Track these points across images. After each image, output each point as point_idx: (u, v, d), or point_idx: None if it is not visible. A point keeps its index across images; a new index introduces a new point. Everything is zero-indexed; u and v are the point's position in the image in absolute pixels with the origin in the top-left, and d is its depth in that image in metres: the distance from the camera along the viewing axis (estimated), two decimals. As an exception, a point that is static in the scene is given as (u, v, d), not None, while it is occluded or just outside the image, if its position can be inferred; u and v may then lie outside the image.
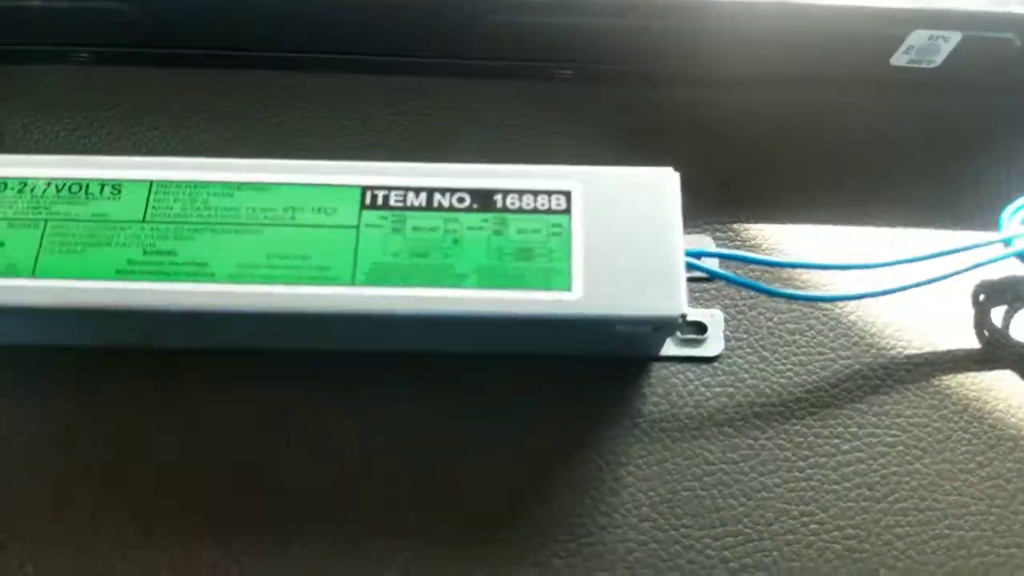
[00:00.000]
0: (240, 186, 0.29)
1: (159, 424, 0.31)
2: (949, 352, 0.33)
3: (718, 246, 0.34)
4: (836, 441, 0.31)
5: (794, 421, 0.31)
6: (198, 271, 0.27)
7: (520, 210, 0.28)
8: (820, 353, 0.32)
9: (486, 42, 0.36)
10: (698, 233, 0.34)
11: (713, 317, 0.32)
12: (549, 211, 0.28)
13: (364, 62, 0.37)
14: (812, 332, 0.33)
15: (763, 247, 0.34)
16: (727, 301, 0.33)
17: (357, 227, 0.28)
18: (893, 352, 0.32)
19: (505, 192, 0.28)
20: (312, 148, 0.36)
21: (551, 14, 0.35)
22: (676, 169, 0.28)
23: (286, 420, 0.31)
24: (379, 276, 0.27)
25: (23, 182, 0.29)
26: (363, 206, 0.28)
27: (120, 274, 0.27)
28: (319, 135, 0.36)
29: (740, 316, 0.33)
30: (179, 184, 0.29)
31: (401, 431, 0.31)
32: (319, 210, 0.28)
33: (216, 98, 0.38)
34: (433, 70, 0.37)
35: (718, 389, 0.31)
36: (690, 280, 0.31)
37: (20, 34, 0.36)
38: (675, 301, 0.27)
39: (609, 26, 0.35)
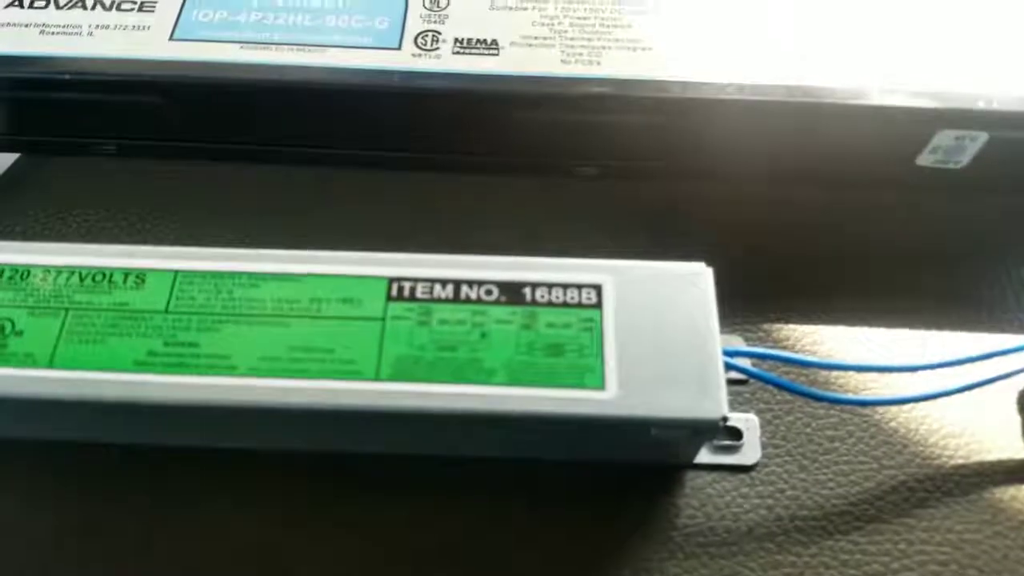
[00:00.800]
0: (266, 277, 0.29)
1: (168, 528, 0.30)
2: (999, 462, 0.32)
3: (748, 345, 0.35)
4: (885, 559, 0.29)
5: (838, 536, 0.30)
6: (219, 363, 0.27)
7: (550, 303, 0.28)
8: (862, 462, 0.32)
9: (511, 138, 0.36)
10: (726, 333, 0.34)
11: (748, 422, 0.32)
12: (579, 305, 0.28)
13: (389, 159, 0.37)
14: (853, 439, 0.33)
15: (796, 347, 0.34)
16: (762, 405, 0.33)
17: (383, 319, 0.28)
18: (939, 461, 0.31)
19: (534, 285, 0.28)
20: (337, 243, 0.36)
21: (573, 111, 0.36)
22: (712, 260, 0.28)
23: (305, 524, 0.30)
24: (404, 371, 0.27)
25: (46, 270, 0.29)
26: (389, 298, 0.28)
27: (139, 366, 0.27)
28: (344, 229, 0.36)
29: (776, 421, 0.32)
30: (204, 275, 0.29)
31: (419, 536, 0.30)
32: (345, 301, 0.28)
33: (242, 191, 0.38)
34: (457, 166, 0.38)
35: (756, 500, 0.30)
36: (729, 383, 0.30)
37: (48, 127, 0.37)
38: (715, 402, 0.26)
39: (629, 122, 0.36)
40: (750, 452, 0.32)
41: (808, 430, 0.32)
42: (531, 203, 0.38)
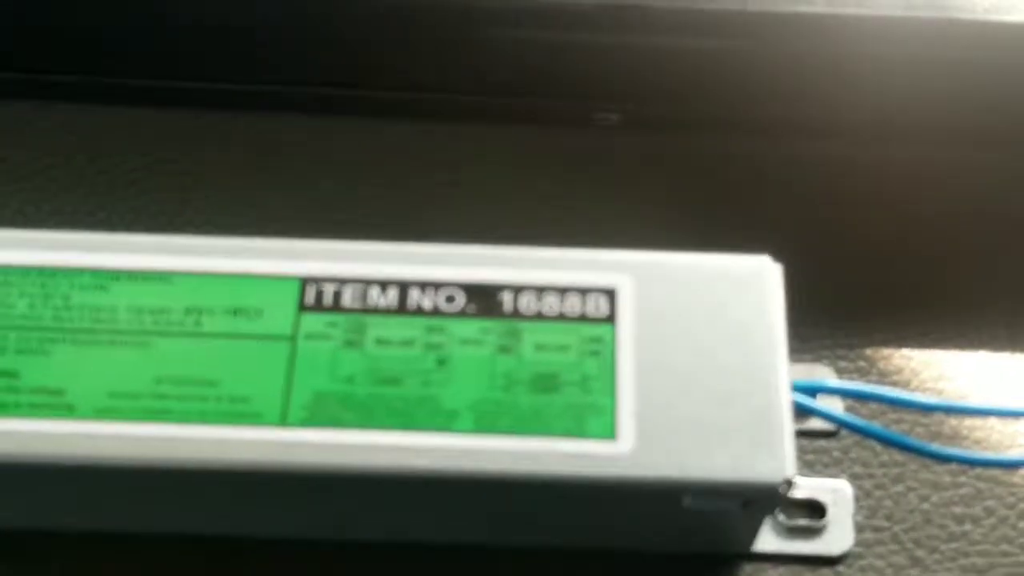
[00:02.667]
0: (118, 276, 0.30)
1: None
2: None
3: (840, 378, 0.35)
4: None
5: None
6: (50, 402, 0.28)
7: (540, 316, 0.29)
8: (1005, 553, 0.33)
9: (494, 70, 0.38)
10: (807, 361, 0.35)
11: (836, 493, 0.33)
12: (583, 318, 0.29)
13: (341, 98, 0.39)
14: (993, 519, 0.34)
15: (909, 382, 0.35)
16: (858, 468, 0.34)
17: (292, 338, 0.28)
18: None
19: (517, 288, 0.29)
20: (227, 223, 0.38)
21: (588, 29, 0.37)
22: (779, 258, 0.29)
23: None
24: (323, 413, 0.27)
25: None
26: (302, 307, 0.29)
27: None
28: (243, 200, 0.38)
29: (879, 491, 0.33)
30: (25, 272, 0.30)
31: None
32: (236, 312, 0.29)
33: (82, 139, 0.40)
34: (418, 109, 0.39)
35: None
36: (800, 433, 0.32)
37: None
38: (777, 459, 0.27)
39: (672, 49, 0.37)
40: (837, 537, 0.32)
41: (926, 506, 0.33)
42: (519, 167, 0.39)
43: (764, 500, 0.28)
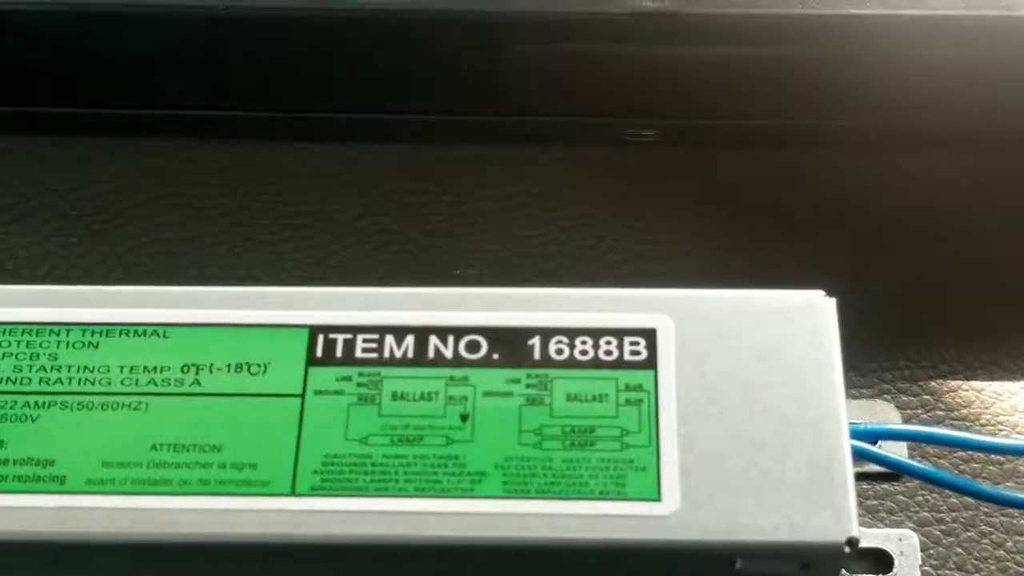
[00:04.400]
0: (110, 331, 0.29)
1: None
2: None
3: (904, 416, 0.35)
4: None
5: None
6: (39, 475, 0.27)
7: (572, 363, 0.28)
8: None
9: (516, 86, 0.38)
10: (867, 397, 0.35)
11: (902, 542, 0.32)
12: (620, 363, 0.28)
13: (354, 123, 0.39)
14: (1080, 569, 0.33)
15: (978, 415, 0.35)
16: (925, 512, 0.33)
17: (302, 396, 0.28)
18: None
19: (546, 332, 0.29)
20: (229, 272, 0.38)
21: (619, 41, 0.36)
22: (828, 292, 0.29)
23: None
24: (337, 479, 0.27)
25: None
26: (311, 360, 0.28)
27: None
28: (247, 245, 0.38)
29: (948, 539, 0.33)
30: (8, 329, 0.29)
31: None
32: (239, 368, 0.28)
33: (72, 176, 0.39)
34: (434, 132, 0.39)
35: None
36: (860, 476, 0.31)
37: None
38: (837, 517, 0.26)
39: (712, 59, 0.37)
40: None
41: (1001, 553, 0.33)
42: (552, 191, 0.39)
43: (825, 562, 0.27)
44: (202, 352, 0.28)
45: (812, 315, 0.29)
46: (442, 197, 0.39)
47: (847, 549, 0.26)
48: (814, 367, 0.28)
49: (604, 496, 0.27)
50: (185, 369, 0.28)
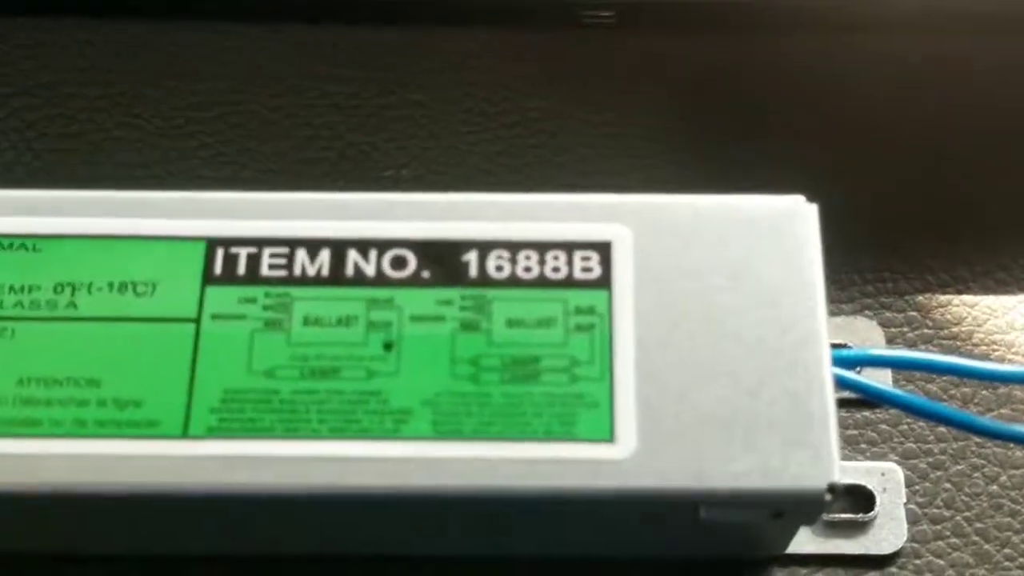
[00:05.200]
0: None
1: None
2: None
3: (888, 335, 0.34)
4: None
5: None
6: None
7: (514, 281, 0.27)
8: (1092, 544, 0.31)
9: None
10: (847, 314, 0.34)
11: (885, 477, 0.31)
12: (570, 283, 0.27)
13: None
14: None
15: (970, 333, 0.34)
16: (910, 443, 0.32)
17: (196, 321, 0.26)
18: None
19: (484, 246, 0.27)
20: (129, 163, 0.35)
21: None
22: (807, 195, 0.27)
23: None
24: (238, 419, 0.25)
25: None
26: (208, 278, 0.26)
27: None
28: (146, 140, 0.36)
29: (936, 472, 0.32)
30: None
31: None
32: (123, 288, 0.26)
33: None
34: (363, 11, 0.37)
35: None
36: (839, 403, 0.29)
37: None
38: (817, 460, 0.25)
39: None
40: (888, 532, 0.31)
41: (994, 488, 0.32)
42: (487, 83, 0.37)
43: (802, 511, 0.26)
44: (79, 269, 0.27)
45: (791, 224, 0.27)
46: (369, 86, 0.37)
47: (828, 497, 0.25)
48: (793, 285, 0.27)
49: (550, 437, 0.25)
50: (58, 289, 0.26)
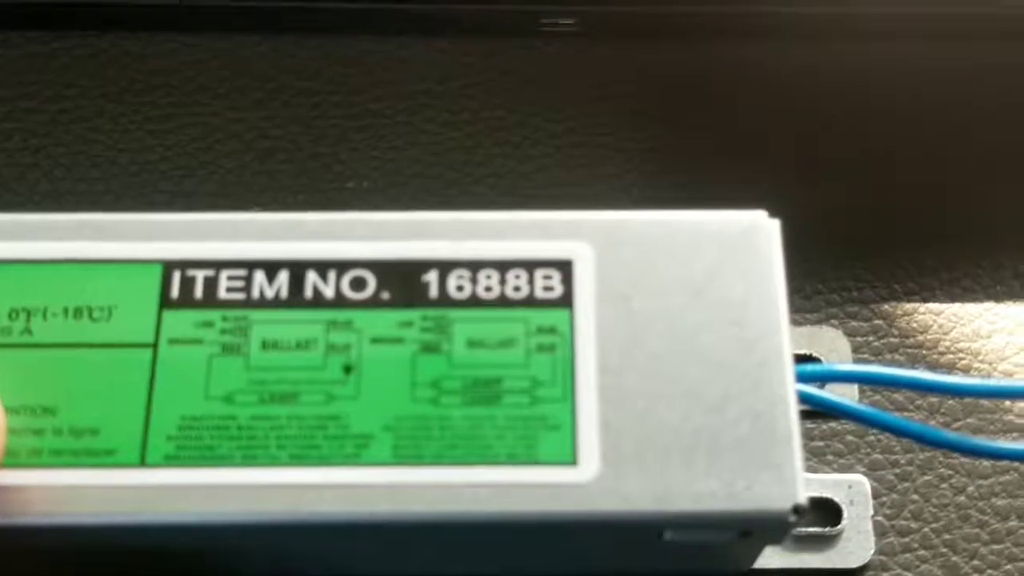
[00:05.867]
0: None
1: None
2: None
3: (854, 344, 0.34)
4: None
5: None
6: None
7: (475, 302, 0.26)
8: (1060, 555, 0.31)
9: None
10: (812, 323, 0.34)
11: (852, 490, 0.31)
12: (531, 302, 0.26)
13: (188, 11, 0.37)
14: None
15: (936, 342, 0.34)
16: (877, 454, 0.32)
17: (153, 346, 0.26)
18: None
19: (444, 266, 0.27)
20: (90, 178, 0.35)
21: None
22: (770, 208, 0.27)
23: None
24: (196, 446, 0.25)
25: None
26: (165, 302, 0.26)
27: None
28: (107, 156, 0.36)
29: (903, 483, 0.32)
30: None
31: None
32: (79, 314, 0.26)
33: None
34: (321, 21, 0.37)
35: None
36: (804, 414, 0.29)
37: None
38: (783, 480, 0.25)
39: None
40: (855, 545, 0.31)
41: (962, 499, 0.32)
42: (450, 96, 0.37)
43: (768, 530, 0.26)
44: (35, 294, 0.26)
45: (754, 240, 0.27)
46: (331, 97, 0.37)
47: (793, 518, 0.25)
48: (756, 302, 0.26)
49: (512, 461, 0.25)
50: (13, 315, 0.26)
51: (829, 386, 0.30)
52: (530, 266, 0.27)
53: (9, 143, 0.36)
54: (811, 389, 0.27)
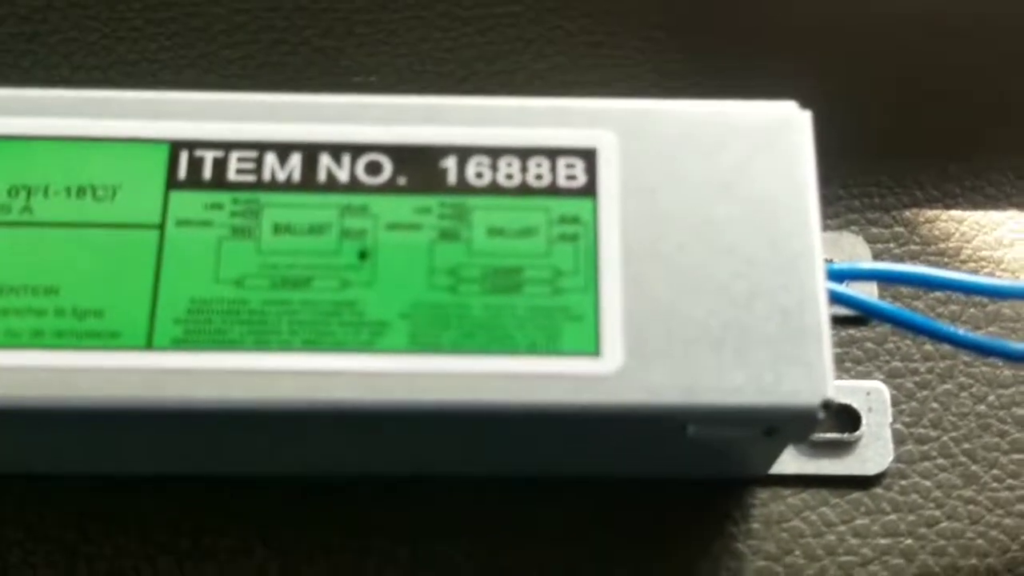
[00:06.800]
0: None
1: None
2: None
3: (875, 251, 0.33)
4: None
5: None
6: None
7: (495, 189, 0.26)
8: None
9: None
10: (832, 229, 0.33)
11: (871, 397, 0.31)
12: (553, 190, 0.26)
13: None
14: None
15: (958, 249, 0.33)
16: (896, 361, 0.32)
17: (160, 227, 0.25)
18: None
19: (464, 152, 0.26)
20: (87, 66, 0.34)
21: None
22: (800, 101, 0.27)
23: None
24: (204, 330, 0.24)
25: None
26: (172, 183, 0.26)
27: None
28: (103, 43, 0.35)
29: (923, 392, 0.32)
30: None
31: None
32: (82, 192, 0.25)
33: None
34: None
35: (884, 542, 0.30)
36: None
37: None
38: (812, 375, 0.24)
39: None
40: (873, 452, 0.31)
41: (982, 408, 0.31)
42: None
43: (794, 428, 0.26)
44: (35, 171, 0.26)
45: (784, 132, 0.27)
46: None
47: (821, 414, 0.25)
48: (786, 196, 0.26)
49: (533, 351, 0.25)
50: (13, 192, 0.25)
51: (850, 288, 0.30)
52: (553, 154, 0.26)
53: (2, 28, 0.35)
54: (838, 287, 0.27)
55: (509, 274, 0.25)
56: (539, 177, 0.26)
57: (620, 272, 0.25)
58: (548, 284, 0.25)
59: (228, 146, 0.26)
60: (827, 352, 0.25)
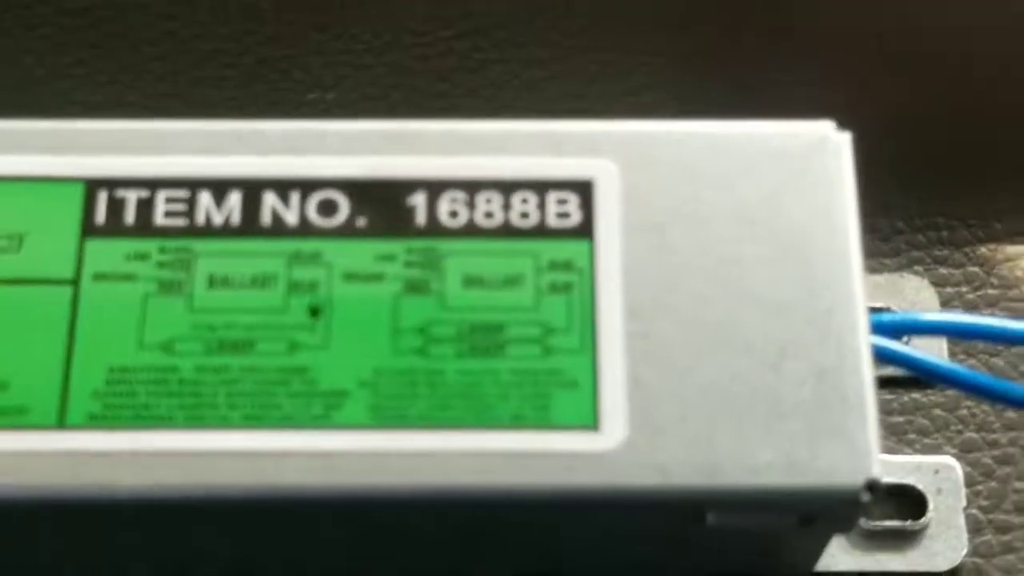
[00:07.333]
0: None
1: None
2: None
3: (943, 296, 0.34)
4: None
5: None
6: None
7: (472, 230, 0.27)
8: None
9: None
10: (891, 270, 0.34)
11: (940, 475, 0.32)
12: (542, 232, 0.27)
13: None
14: None
15: None
16: (972, 434, 0.33)
17: (74, 282, 0.26)
18: None
19: (435, 187, 0.27)
20: None
21: None
22: (839, 122, 0.28)
23: None
24: (127, 405, 0.25)
25: None
26: (89, 229, 0.27)
27: None
28: (10, 56, 0.36)
29: (1003, 468, 0.32)
30: None
31: None
32: None
33: None
34: None
35: None
36: (881, 384, 0.29)
37: None
38: (853, 450, 0.25)
39: None
40: (944, 544, 0.31)
41: None
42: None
43: (836, 515, 0.26)
44: None
45: (819, 157, 0.27)
46: None
47: (866, 497, 0.25)
48: (823, 234, 0.27)
49: (518, 424, 0.25)
50: None
51: (913, 344, 0.30)
52: (541, 188, 0.27)
53: None
54: (891, 344, 0.28)
55: (489, 332, 0.26)
56: (525, 215, 0.27)
57: (622, 328, 0.26)
58: (536, 344, 0.26)
59: (154, 184, 0.27)
60: (872, 422, 0.25)
